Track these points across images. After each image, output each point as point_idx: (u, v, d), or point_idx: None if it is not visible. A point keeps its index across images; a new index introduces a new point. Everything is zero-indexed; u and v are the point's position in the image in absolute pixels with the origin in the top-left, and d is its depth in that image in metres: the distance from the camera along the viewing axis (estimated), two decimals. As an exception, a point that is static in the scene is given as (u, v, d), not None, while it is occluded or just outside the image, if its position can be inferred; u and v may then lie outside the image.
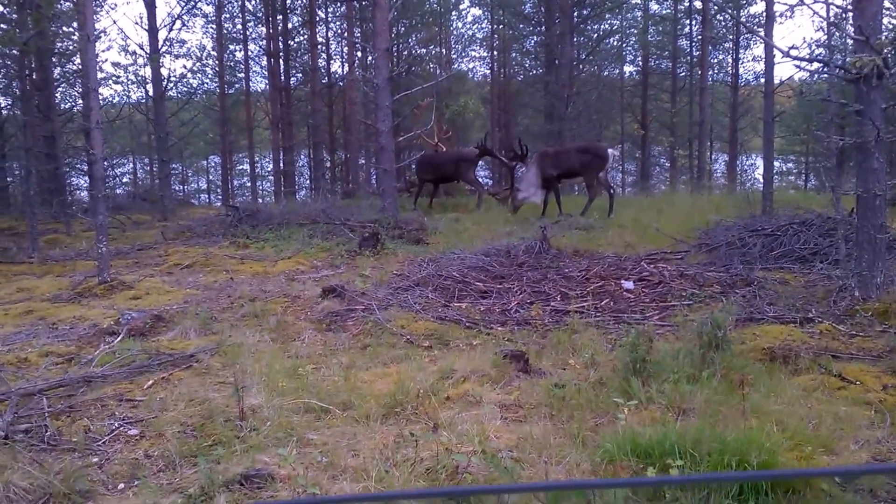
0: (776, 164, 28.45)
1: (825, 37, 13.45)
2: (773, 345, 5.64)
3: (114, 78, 24.85)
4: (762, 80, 14.46)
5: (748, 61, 28.87)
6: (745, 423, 4.07)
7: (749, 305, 7.15)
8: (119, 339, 6.67)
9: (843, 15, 15.09)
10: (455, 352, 6.07)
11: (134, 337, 6.73)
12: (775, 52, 12.29)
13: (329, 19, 29.11)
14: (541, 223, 11.72)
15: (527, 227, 12.73)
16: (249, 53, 28.93)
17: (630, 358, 4.90)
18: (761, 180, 13.92)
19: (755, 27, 24.40)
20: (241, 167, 35.81)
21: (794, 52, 7.27)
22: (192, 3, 24.41)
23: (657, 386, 4.71)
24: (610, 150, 15.09)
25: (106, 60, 24.38)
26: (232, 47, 29.09)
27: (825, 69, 9.18)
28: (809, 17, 42.61)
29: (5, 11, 18.03)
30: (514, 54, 32.59)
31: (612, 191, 15.13)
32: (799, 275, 8.39)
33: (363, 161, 28.31)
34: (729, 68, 29.72)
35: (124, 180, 32.54)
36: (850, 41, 8.22)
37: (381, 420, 4.55)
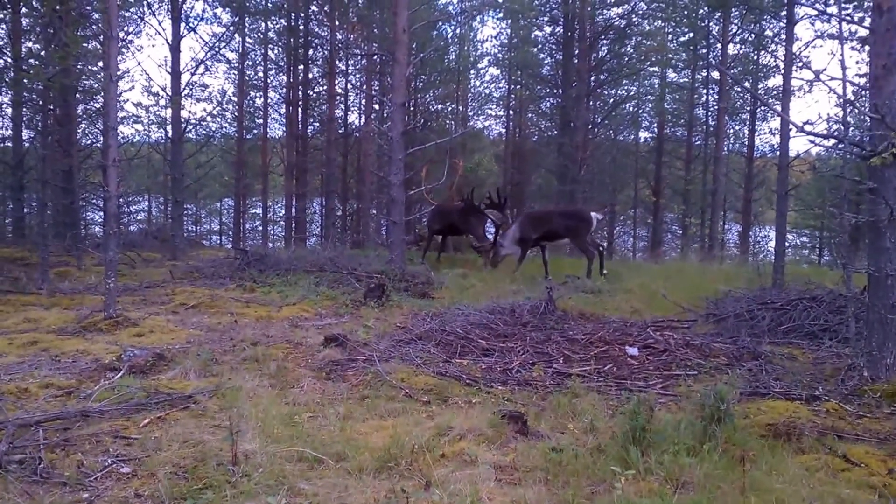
0: (790, 237, 28.47)
1: (841, 113, 13.59)
2: (777, 421, 5.54)
3: (135, 117, 25.31)
4: (778, 153, 14.57)
5: (764, 133, 29.09)
6: (745, 501, 3.99)
7: (755, 379, 7.05)
8: (120, 375, 6.64)
9: (861, 92, 15.27)
10: (453, 409, 6.01)
11: (134, 374, 6.70)
12: (790, 126, 12.39)
13: (349, 72, 29.69)
14: (546, 284, 11.70)
15: (533, 286, 12.71)
16: (269, 101, 29.50)
17: (630, 426, 4.82)
18: (774, 253, 13.90)
19: (772, 100, 24.71)
20: (254, 211, 36.14)
21: (809, 128, 7.29)
22: (216, 49, 24.95)
23: (656, 456, 4.63)
24: (593, 214, 15.36)
25: (128, 101, 25.08)
26: (252, 94, 29.69)
27: (840, 145, 9.24)
28: (826, 93, 43.12)
29: (33, 48, 18.48)
30: (529, 115, 33.09)
31: (600, 249, 15.41)
32: (807, 351, 8.29)
33: (374, 212, 28.53)
34: (745, 139, 29.95)
35: (139, 217, 32.85)
36: (866, 119, 8.28)
37: (373, 474, 4.49)
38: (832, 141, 10.84)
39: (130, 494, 4.17)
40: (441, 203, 18.34)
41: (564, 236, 15.34)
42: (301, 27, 27.06)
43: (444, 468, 4.58)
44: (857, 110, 12.93)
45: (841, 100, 10.80)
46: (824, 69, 11.43)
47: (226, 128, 29.51)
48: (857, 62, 21.29)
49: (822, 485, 4.49)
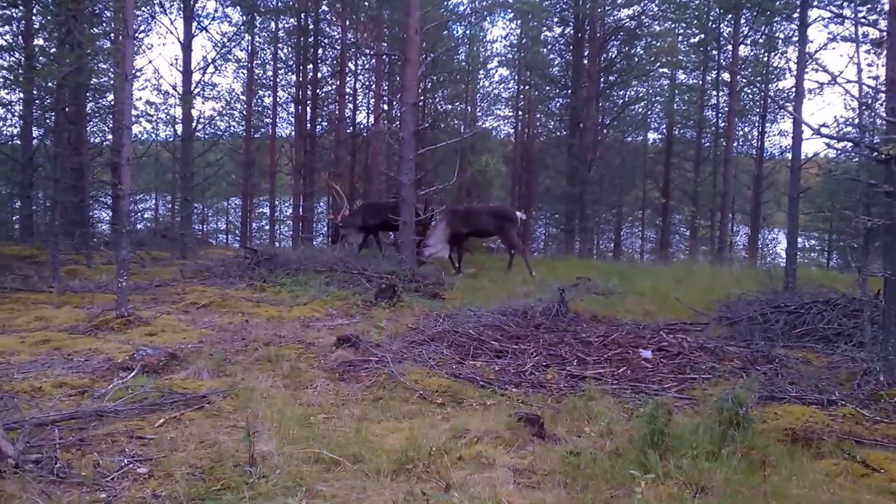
0: (799, 240, 28.28)
1: (855, 116, 13.51)
2: (795, 426, 5.49)
3: (147, 116, 25.30)
4: (787, 155, 14.53)
5: (774, 135, 29.02)
6: (766, 506, 3.97)
7: (770, 383, 7.00)
8: (133, 374, 6.64)
9: (875, 95, 15.19)
10: (469, 411, 5.99)
11: (147, 374, 6.71)
12: (804, 128, 12.30)
13: (358, 71, 29.66)
14: (559, 285, 11.65)
15: (544, 288, 12.67)
16: (278, 100, 29.46)
17: (648, 430, 4.79)
18: (783, 255, 13.81)
19: (784, 102, 24.58)
20: (261, 210, 36.13)
21: (825, 130, 7.28)
22: (227, 48, 24.97)
23: (675, 461, 4.60)
24: (518, 213, 16.27)
25: (140, 98, 24.91)
26: (261, 93, 29.66)
27: (855, 149, 9.19)
28: (840, 96, 42.74)
29: (46, 46, 18.51)
30: (538, 115, 32.98)
31: (513, 251, 16.04)
32: (822, 355, 8.23)
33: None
34: (754, 141, 29.78)
35: (146, 216, 32.89)
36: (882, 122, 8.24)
37: (391, 476, 4.47)
38: (847, 143, 10.81)
39: (148, 495, 4.18)
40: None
41: (493, 234, 16.30)
42: (311, 27, 27.07)
43: (462, 471, 4.56)
44: (872, 113, 12.86)
45: (856, 102, 10.74)
46: (841, 72, 11.28)
47: (234, 127, 29.51)
48: (868, 64, 21.18)
49: (842, 490, 4.47)
